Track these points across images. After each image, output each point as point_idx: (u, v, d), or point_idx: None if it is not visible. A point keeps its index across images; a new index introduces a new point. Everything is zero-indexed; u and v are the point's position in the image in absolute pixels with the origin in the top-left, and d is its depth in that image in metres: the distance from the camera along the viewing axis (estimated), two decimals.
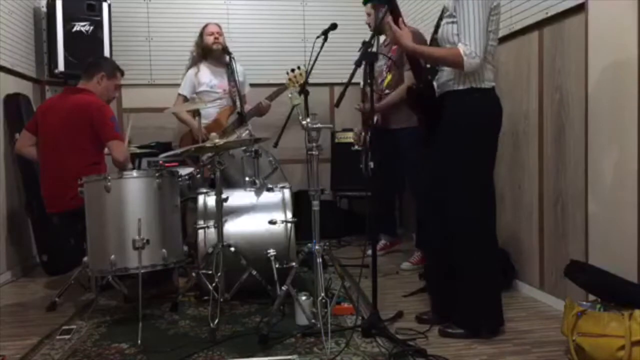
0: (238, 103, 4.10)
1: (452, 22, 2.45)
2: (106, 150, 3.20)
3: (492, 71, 2.53)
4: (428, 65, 2.64)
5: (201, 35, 4.36)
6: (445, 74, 2.54)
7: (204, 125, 3.92)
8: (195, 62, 4.37)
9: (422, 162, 2.99)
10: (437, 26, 2.57)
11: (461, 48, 2.38)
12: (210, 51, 4.30)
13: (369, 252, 2.61)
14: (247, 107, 4.23)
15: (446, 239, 2.54)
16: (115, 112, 4.14)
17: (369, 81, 2.63)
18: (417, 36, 3.26)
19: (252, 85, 4.58)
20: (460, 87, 2.48)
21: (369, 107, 2.71)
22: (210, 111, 4.19)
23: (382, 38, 4.01)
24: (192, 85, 4.33)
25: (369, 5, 3.97)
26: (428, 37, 2.92)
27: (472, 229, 2.47)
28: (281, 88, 4.32)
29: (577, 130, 2.71)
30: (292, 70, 4.28)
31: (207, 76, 4.33)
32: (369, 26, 4.02)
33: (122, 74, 3.47)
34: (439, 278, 2.69)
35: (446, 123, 2.51)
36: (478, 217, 2.47)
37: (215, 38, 4.28)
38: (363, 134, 3.93)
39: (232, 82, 4.24)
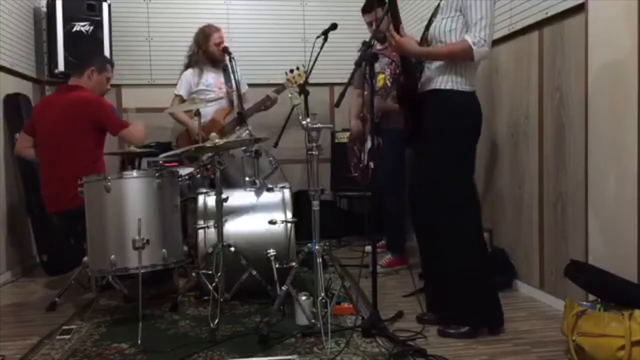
0: (237, 103, 4.09)
1: (447, 18, 2.44)
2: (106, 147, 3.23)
3: (475, 75, 2.52)
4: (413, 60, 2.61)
5: (207, 39, 4.30)
6: (429, 72, 2.53)
7: None
8: (197, 64, 4.33)
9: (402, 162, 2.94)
10: (429, 23, 2.55)
11: (468, 38, 2.37)
12: (215, 59, 4.30)
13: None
14: (248, 106, 4.23)
15: (435, 238, 2.55)
16: None
17: (369, 81, 2.63)
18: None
19: (252, 85, 4.58)
20: (442, 87, 2.47)
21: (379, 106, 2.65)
22: (206, 110, 4.17)
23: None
24: (189, 85, 4.32)
25: (378, 10, 3.47)
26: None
27: (457, 230, 2.47)
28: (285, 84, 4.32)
29: (577, 130, 2.71)
30: (291, 71, 4.28)
31: (203, 75, 4.33)
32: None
33: (112, 65, 3.49)
34: (433, 277, 2.69)
35: (429, 123, 2.51)
36: (462, 217, 2.47)
37: (222, 47, 4.27)
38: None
39: (229, 82, 4.24)
